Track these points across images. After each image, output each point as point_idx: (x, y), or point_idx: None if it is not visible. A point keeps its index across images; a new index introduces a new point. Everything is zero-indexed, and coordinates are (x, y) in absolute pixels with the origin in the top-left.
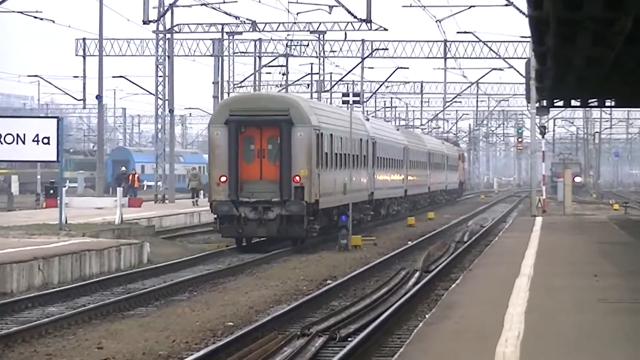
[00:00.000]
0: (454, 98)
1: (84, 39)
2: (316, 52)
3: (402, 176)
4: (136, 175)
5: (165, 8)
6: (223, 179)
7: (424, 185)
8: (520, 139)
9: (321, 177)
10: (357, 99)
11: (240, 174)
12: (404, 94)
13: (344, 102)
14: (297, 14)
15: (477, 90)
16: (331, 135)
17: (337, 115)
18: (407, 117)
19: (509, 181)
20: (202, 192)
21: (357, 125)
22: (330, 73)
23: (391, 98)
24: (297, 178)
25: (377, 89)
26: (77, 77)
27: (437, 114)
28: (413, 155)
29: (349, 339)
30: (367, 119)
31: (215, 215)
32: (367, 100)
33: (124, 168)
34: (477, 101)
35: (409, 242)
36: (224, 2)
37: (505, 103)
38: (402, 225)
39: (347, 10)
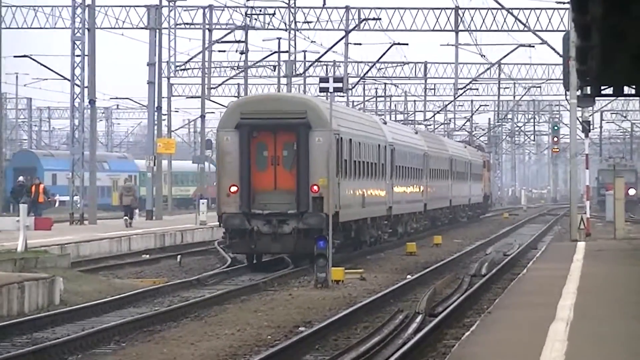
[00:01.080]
0: (468, 84)
1: None
2: (285, 23)
3: (422, 188)
4: (41, 186)
5: None
6: (233, 189)
7: (445, 199)
8: (556, 139)
9: (341, 187)
10: (340, 85)
11: (253, 183)
12: (402, 79)
13: (321, 89)
14: None
15: (499, 74)
16: (350, 140)
17: (355, 117)
18: (406, 109)
19: (542, 194)
20: (137, 210)
21: (374, 130)
22: (304, 51)
23: (385, 84)
24: (316, 188)
25: (367, 73)
26: None
27: (446, 105)
28: (433, 163)
29: None
30: (385, 122)
31: (225, 230)
32: (353, 88)
33: (21, 178)
34: (498, 88)
35: (409, 276)
36: None
37: (536, 91)
38: (398, 253)
39: None
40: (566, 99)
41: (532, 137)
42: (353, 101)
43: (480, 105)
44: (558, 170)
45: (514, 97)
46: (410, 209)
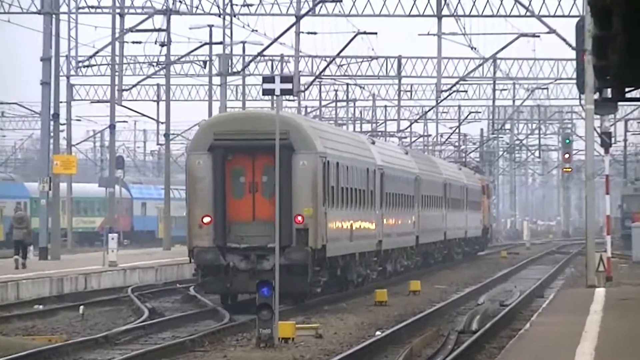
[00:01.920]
0: (454, 85)
1: None
2: (218, 7)
3: (414, 218)
4: None
5: None
6: (206, 219)
7: (439, 231)
8: (567, 155)
9: (328, 218)
10: (289, 86)
11: (228, 213)
12: (370, 78)
13: (265, 92)
14: None
15: (495, 72)
16: (337, 163)
17: (341, 137)
18: (375, 116)
19: (549, 227)
20: (31, 247)
21: (362, 151)
22: (243, 43)
23: (347, 85)
24: (300, 218)
25: (324, 70)
26: None
27: (426, 112)
28: (426, 188)
29: None
30: (373, 142)
31: (196, 266)
32: (307, 89)
33: None
34: (494, 90)
35: (378, 333)
36: None
37: (541, 94)
38: (364, 303)
39: None
40: (580, 104)
41: (536, 153)
42: (306, 106)
43: (471, 112)
44: (570, 196)
45: (514, 101)
46: (402, 243)
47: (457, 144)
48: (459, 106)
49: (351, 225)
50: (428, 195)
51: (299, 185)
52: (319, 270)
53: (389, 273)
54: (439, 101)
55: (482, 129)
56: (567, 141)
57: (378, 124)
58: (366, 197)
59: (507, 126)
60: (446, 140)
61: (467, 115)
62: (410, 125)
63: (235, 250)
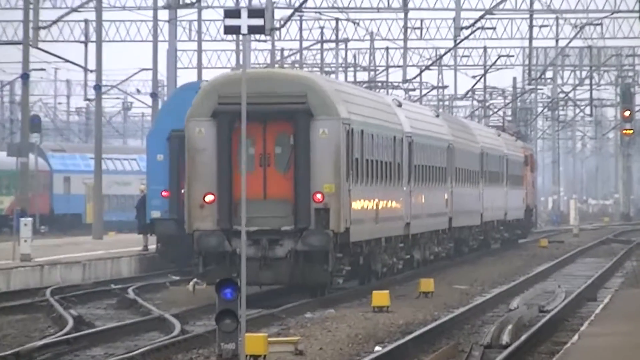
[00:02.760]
0: (477, 20)
1: None
2: None
3: (446, 196)
4: None
5: None
6: (209, 198)
7: (475, 213)
8: (628, 112)
9: (352, 196)
10: (260, 22)
11: (235, 190)
12: (367, 10)
13: (227, 30)
14: None
15: (532, 2)
16: (362, 131)
17: (365, 100)
18: (374, 61)
19: (605, 207)
20: None
21: (388, 115)
22: None
23: (337, 20)
24: (320, 196)
25: (305, 1)
26: None
27: (442, 57)
28: (460, 160)
29: None
30: (399, 104)
31: (197, 253)
32: (283, 26)
33: None
34: (530, 27)
35: (378, 348)
36: None
37: (594, 31)
38: (360, 308)
39: None
40: None
41: (587, 110)
42: (282, 49)
43: (500, 56)
44: (632, 167)
45: (557, 41)
46: (433, 226)
47: (482, 98)
48: (485, 48)
49: (377, 205)
50: (462, 169)
51: (319, 158)
52: (341, 257)
53: (417, 262)
54: (457, 41)
55: (514, 79)
56: (628, 93)
57: (377, 72)
58: (392, 170)
59: (549, 74)
60: (467, 93)
61: (496, 60)
62: (419, 74)
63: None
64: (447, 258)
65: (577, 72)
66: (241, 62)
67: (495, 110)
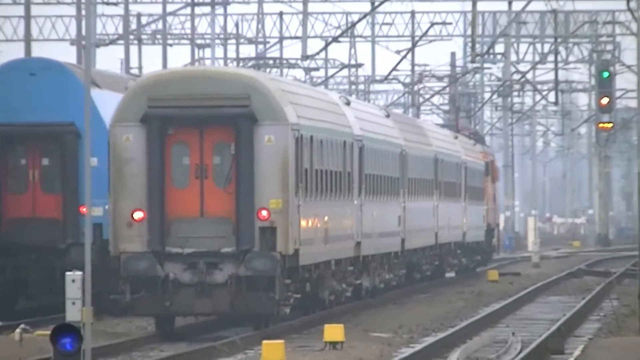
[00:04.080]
0: None
1: None
2: None
3: (398, 212)
4: None
5: None
6: (138, 215)
7: (429, 232)
8: (606, 100)
9: (302, 212)
10: None
11: (168, 207)
12: None
13: None
14: None
15: None
16: (311, 137)
17: (313, 100)
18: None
19: (575, 226)
20: None
21: (337, 117)
22: None
23: None
24: (265, 213)
25: None
26: None
27: (354, 25)
28: (413, 168)
29: None
30: (347, 103)
31: (124, 278)
32: None
33: None
34: None
35: None
36: None
37: None
38: (309, 339)
39: None
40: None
41: (551, 97)
42: (139, 13)
43: (433, 24)
44: (612, 174)
45: (510, 3)
46: (384, 248)
47: (409, 80)
48: (413, 13)
49: (326, 222)
50: (416, 178)
51: (264, 169)
52: (289, 283)
53: (366, 290)
54: (376, 4)
55: (453, 54)
56: (605, 75)
57: (268, 46)
58: (342, 181)
59: (499, 48)
60: (389, 74)
61: (428, 30)
62: (324, 48)
63: (177, 257)
64: (398, 286)
65: (538, 46)
66: (84, 32)
67: (427, 97)
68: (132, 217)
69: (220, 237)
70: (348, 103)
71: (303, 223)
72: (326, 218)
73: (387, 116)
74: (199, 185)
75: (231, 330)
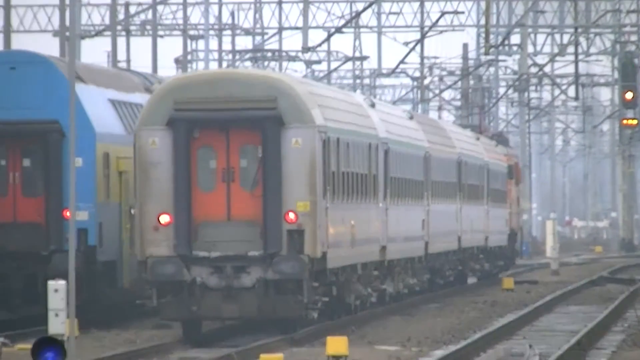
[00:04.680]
0: None
1: None
2: None
3: (422, 215)
4: None
5: None
6: (164, 219)
7: (452, 235)
8: (631, 95)
9: (329, 215)
10: None
11: (195, 211)
12: None
13: None
14: None
15: None
16: (338, 140)
17: (339, 102)
18: (259, 21)
19: (596, 230)
20: None
21: (362, 119)
22: None
23: None
24: (293, 216)
25: None
26: None
27: (358, 14)
28: (437, 170)
29: None
30: (372, 105)
31: (150, 282)
32: None
33: None
34: None
35: None
36: None
37: None
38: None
39: None
40: None
41: (570, 92)
42: (127, 2)
43: (444, 13)
44: (636, 174)
45: None
46: (409, 252)
47: (418, 74)
48: (422, 1)
49: (353, 225)
50: (439, 181)
51: (292, 172)
52: (317, 286)
53: (390, 296)
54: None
55: (465, 46)
56: (629, 68)
57: (266, 37)
58: (368, 184)
59: (515, 39)
60: (397, 67)
61: (438, 19)
62: (327, 39)
63: (204, 261)
64: (421, 292)
65: (557, 37)
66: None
67: (438, 92)
68: (159, 221)
69: (247, 240)
70: (373, 105)
71: (331, 226)
72: (353, 221)
73: (411, 118)
74: (225, 188)
75: (257, 336)
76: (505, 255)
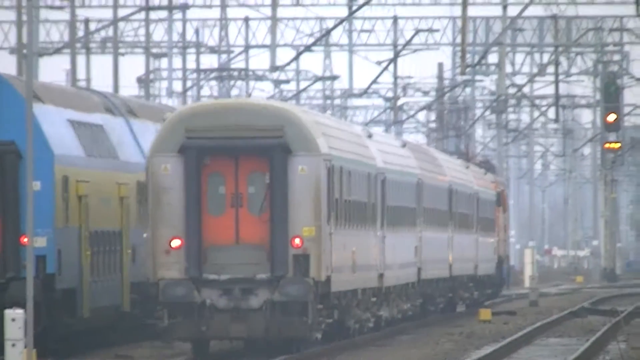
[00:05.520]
0: None
1: None
2: None
3: (415, 242)
4: None
5: None
6: (176, 243)
7: (443, 263)
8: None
9: (333, 240)
10: None
11: (205, 235)
12: None
13: None
14: None
15: None
16: (341, 168)
17: (340, 130)
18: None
19: (576, 260)
20: None
21: (362, 149)
22: None
23: None
24: (299, 241)
25: None
26: None
27: (329, 32)
28: (428, 197)
29: None
30: (370, 135)
31: (162, 304)
32: None
33: None
34: None
35: None
36: None
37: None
38: None
39: None
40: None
41: (550, 113)
42: (87, 19)
43: (418, 31)
44: (619, 199)
45: (505, 7)
46: (403, 279)
47: (391, 94)
48: (395, 19)
49: (354, 252)
50: (431, 209)
51: (298, 198)
52: (321, 309)
53: (385, 321)
54: (354, 8)
55: (441, 65)
56: (612, 88)
57: (232, 55)
58: (367, 212)
59: (492, 58)
60: (369, 87)
61: (412, 37)
62: (296, 57)
63: (214, 283)
64: (411, 318)
65: (536, 56)
66: (25, 39)
67: (412, 113)
68: (170, 245)
69: (255, 263)
70: (370, 135)
71: (334, 251)
72: (354, 247)
73: (403, 146)
74: (234, 213)
75: (259, 354)
76: (493, 283)
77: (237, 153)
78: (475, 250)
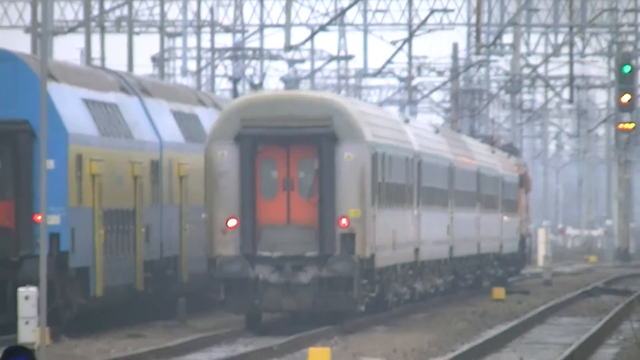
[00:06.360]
0: None
1: None
2: None
3: (447, 221)
4: None
5: None
6: (232, 223)
7: (472, 241)
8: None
9: (377, 221)
10: None
11: (258, 215)
12: None
13: None
14: None
15: None
16: (383, 154)
17: (382, 119)
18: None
19: (590, 239)
20: None
21: (400, 135)
22: None
23: None
24: (345, 221)
25: None
26: None
27: (344, 12)
28: (459, 180)
29: None
30: (407, 121)
31: (218, 279)
32: None
33: None
34: None
35: None
36: None
37: None
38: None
39: None
40: None
41: (565, 94)
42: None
43: (433, 11)
44: (633, 180)
45: None
46: (437, 254)
47: (406, 74)
48: None
49: (394, 230)
50: (461, 191)
51: (344, 182)
52: (367, 283)
53: (419, 295)
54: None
55: (455, 45)
56: (627, 69)
57: (247, 35)
58: (405, 193)
59: (507, 39)
60: (384, 66)
61: (427, 17)
62: (310, 37)
63: (267, 260)
64: (444, 293)
65: (551, 36)
66: (39, 18)
67: (426, 93)
68: (227, 225)
69: (304, 242)
70: (407, 121)
71: (377, 230)
72: (394, 227)
73: (437, 132)
74: (285, 196)
75: (304, 325)
76: (516, 261)
77: (288, 141)
78: (500, 230)
